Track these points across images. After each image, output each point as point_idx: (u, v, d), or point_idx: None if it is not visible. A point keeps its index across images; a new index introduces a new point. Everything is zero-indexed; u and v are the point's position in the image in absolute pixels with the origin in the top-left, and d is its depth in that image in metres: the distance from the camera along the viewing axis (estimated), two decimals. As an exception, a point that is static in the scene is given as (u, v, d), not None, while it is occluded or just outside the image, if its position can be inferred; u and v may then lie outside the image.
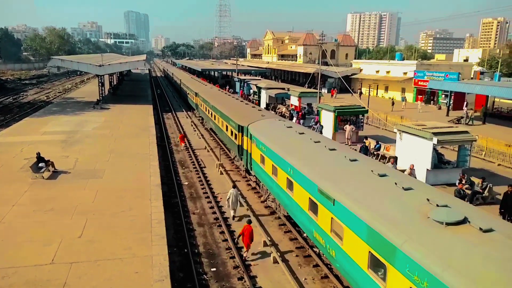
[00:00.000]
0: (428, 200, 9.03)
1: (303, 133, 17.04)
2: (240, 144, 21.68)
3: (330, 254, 11.33)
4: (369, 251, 9.07)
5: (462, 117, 40.44)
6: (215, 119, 29.64)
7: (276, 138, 17.10)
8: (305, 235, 14.38)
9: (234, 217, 16.97)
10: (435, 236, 7.79)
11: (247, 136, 20.18)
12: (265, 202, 18.64)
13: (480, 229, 7.58)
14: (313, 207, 12.21)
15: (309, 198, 12.43)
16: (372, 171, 11.33)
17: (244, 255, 13.88)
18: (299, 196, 13.41)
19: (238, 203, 16.98)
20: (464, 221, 8.01)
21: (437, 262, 7.12)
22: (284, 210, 15.96)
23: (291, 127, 18.58)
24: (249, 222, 14.13)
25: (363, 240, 9.30)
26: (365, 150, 23.94)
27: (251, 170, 20.26)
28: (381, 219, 8.96)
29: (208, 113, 32.83)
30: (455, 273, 6.74)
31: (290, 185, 14.26)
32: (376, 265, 8.92)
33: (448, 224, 7.93)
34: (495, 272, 6.59)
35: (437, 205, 8.68)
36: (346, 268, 10.37)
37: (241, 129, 21.35)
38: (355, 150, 19.56)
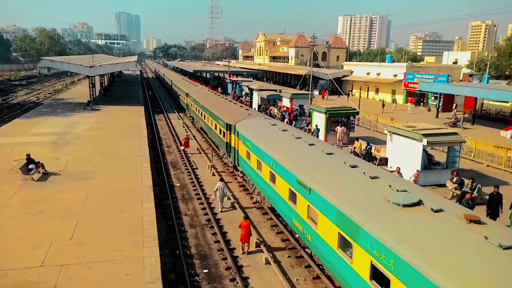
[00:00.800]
0: (390, 186, 10.16)
1: (286, 130, 18.23)
2: (228, 141, 22.57)
3: (306, 238, 12.37)
4: (339, 232, 10.08)
5: (458, 121, 40.24)
6: (205, 118, 30.54)
7: (261, 135, 18.14)
8: (297, 236, 14.47)
9: (221, 208, 17.95)
10: (392, 216, 8.90)
11: (235, 134, 21.09)
12: (257, 204, 18.71)
13: (432, 209, 8.71)
14: (293, 196, 13.21)
15: (289, 188, 13.43)
16: (344, 162, 12.55)
17: (245, 250, 14.03)
18: (280, 188, 14.38)
19: (225, 195, 18.00)
20: (419, 203, 9.11)
21: (392, 237, 8.18)
22: (268, 202, 16.99)
23: (275, 125, 19.74)
24: (246, 217, 14.34)
25: (334, 223, 10.32)
26: (369, 157, 23.25)
27: (238, 166, 21.21)
28: (349, 203, 10.01)
29: (198, 112, 33.77)
30: (406, 245, 7.81)
31: (272, 178, 15.23)
32: (344, 244, 9.95)
33: (404, 205, 9.06)
34: (440, 242, 7.65)
35: (397, 190, 9.83)
36: (320, 249, 11.44)
37: (229, 127, 22.21)
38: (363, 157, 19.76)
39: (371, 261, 8.64)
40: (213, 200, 19.05)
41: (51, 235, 13.61)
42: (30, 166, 19.57)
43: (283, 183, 13.96)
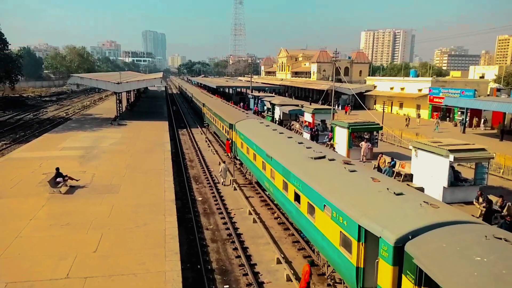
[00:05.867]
0: (314, 150, 16.55)
1: (268, 126, 24.91)
2: (231, 137, 28.77)
3: (271, 191, 18.56)
4: (283, 180, 16.18)
5: None
6: (215, 122, 37.43)
7: (250, 129, 24.78)
8: (317, 250, 14.29)
9: (223, 184, 24.18)
10: (306, 164, 15.09)
11: (235, 131, 27.38)
12: (278, 219, 18.68)
13: (329, 159, 14.94)
14: (264, 165, 19.38)
15: (262, 161, 19.69)
16: (296, 141, 18.94)
17: None
18: (258, 162, 20.62)
19: (227, 174, 24.45)
20: (324, 157, 15.31)
21: (303, 173, 14.31)
22: (254, 178, 22.96)
23: (262, 123, 26.41)
24: (311, 262, 12.50)
25: (281, 174, 16.43)
26: (389, 172, 23.46)
27: (237, 155, 27.43)
28: (288, 161, 16.18)
29: (211, 118, 40.52)
30: (307, 175, 14.03)
31: (254, 157, 21.39)
32: (285, 186, 15.99)
33: (315, 158, 15.25)
34: (322, 172, 13.94)
35: (315, 151, 16.27)
36: (276, 195, 17.65)
37: (231, 126, 28.50)
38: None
39: (294, 190, 14.69)
40: (234, 214, 19.13)
41: (77, 247, 13.91)
42: (57, 180, 20.15)
43: (259, 158, 20.23)
